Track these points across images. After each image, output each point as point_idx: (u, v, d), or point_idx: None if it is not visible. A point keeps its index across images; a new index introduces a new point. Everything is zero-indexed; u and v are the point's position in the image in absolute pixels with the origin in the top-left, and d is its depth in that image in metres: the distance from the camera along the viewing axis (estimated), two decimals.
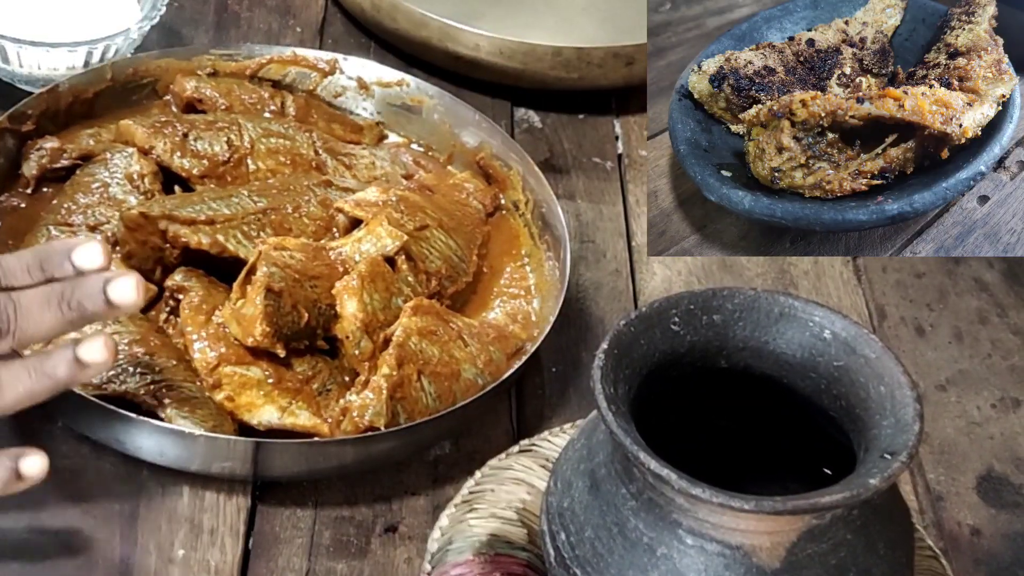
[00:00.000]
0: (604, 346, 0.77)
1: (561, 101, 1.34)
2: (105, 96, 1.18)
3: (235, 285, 0.98)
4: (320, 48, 1.36)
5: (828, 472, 0.84)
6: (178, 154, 1.10)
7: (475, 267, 1.12)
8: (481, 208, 1.16)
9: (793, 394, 0.82)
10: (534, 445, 0.98)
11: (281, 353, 0.97)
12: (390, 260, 1.03)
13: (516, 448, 0.98)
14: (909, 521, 0.81)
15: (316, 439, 0.96)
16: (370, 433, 0.93)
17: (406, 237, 1.04)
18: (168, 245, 1.01)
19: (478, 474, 0.95)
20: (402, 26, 1.33)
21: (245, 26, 1.39)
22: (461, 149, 1.22)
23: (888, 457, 0.73)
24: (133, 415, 0.92)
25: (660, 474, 0.71)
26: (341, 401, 0.96)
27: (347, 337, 0.98)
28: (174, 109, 1.20)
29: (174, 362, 0.97)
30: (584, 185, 1.28)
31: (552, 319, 1.04)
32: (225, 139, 1.12)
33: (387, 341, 0.98)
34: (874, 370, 0.78)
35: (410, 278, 1.03)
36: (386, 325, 0.99)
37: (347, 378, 0.99)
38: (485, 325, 1.07)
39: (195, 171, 1.10)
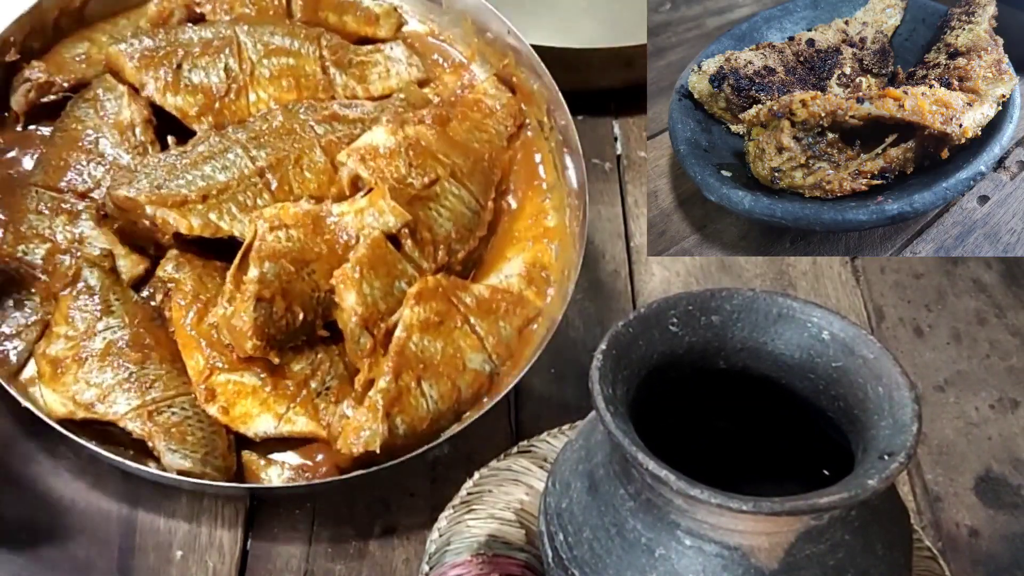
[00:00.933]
0: (602, 347, 0.77)
1: None
2: (96, 1, 1.10)
3: (229, 275, 0.95)
4: None
5: (826, 473, 0.84)
6: (171, 93, 1.03)
7: (491, 215, 1.05)
8: (504, 131, 1.09)
9: (791, 395, 0.82)
10: (532, 446, 0.98)
11: (276, 361, 0.95)
12: (392, 238, 0.98)
13: (515, 449, 0.97)
14: (907, 522, 0.81)
15: (303, 482, 0.95)
16: (365, 460, 0.93)
17: (409, 217, 0.98)
18: (158, 229, 0.97)
19: (476, 475, 0.95)
20: None
21: None
22: (483, 48, 1.14)
23: (886, 458, 0.73)
24: (124, 461, 0.91)
25: (658, 475, 0.71)
26: (339, 409, 0.94)
27: (348, 331, 0.96)
28: (173, 9, 1.11)
29: (166, 368, 0.96)
30: None
31: (569, 295, 1.00)
32: (223, 66, 1.05)
33: (389, 334, 0.95)
34: (872, 371, 0.78)
35: (415, 254, 0.99)
36: (388, 314, 0.96)
37: (348, 368, 0.97)
38: (497, 293, 1.02)
39: (191, 111, 1.04)
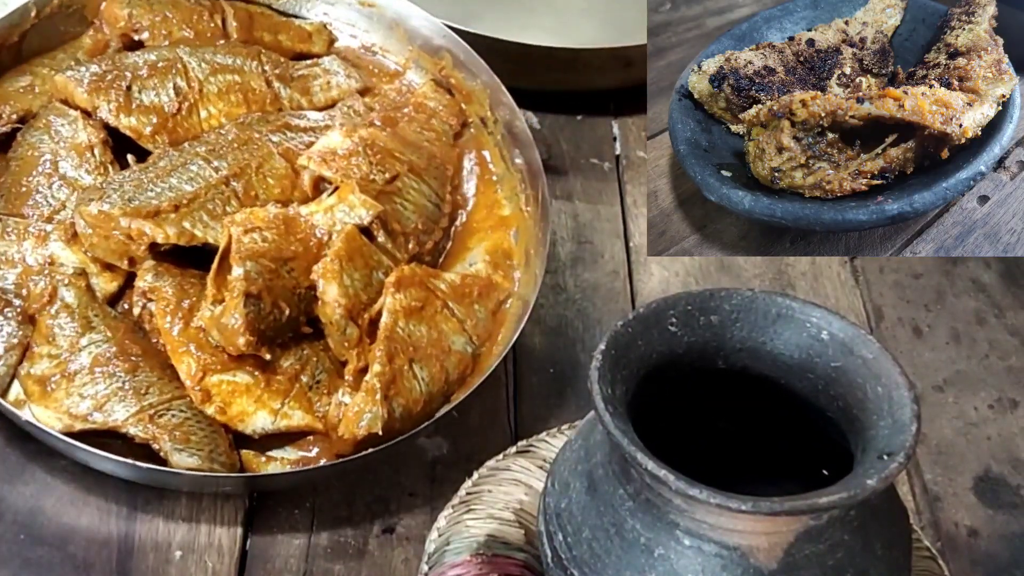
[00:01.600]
0: (602, 347, 0.77)
1: (559, 102, 1.34)
2: (32, 36, 1.11)
3: (209, 279, 0.95)
4: None
5: (826, 473, 0.84)
6: (124, 114, 1.04)
7: (450, 206, 1.08)
8: (448, 129, 1.11)
9: (791, 395, 0.82)
10: (532, 446, 0.97)
11: (267, 357, 0.95)
12: (365, 230, 0.99)
13: (514, 449, 0.97)
14: (906, 522, 0.81)
15: (310, 467, 0.95)
16: (368, 445, 0.93)
17: (380, 207, 1.00)
18: (133, 241, 0.97)
19: (476, 475, 0.95)
20: None
21: None
22: (418, 55, 1.15)
23: (885, 458, 0.73)
24: (133, 463, 0.91)
25: (658, 475, 0.71)
26: (335, 398, 0.96)
27: (331, 323, 0.96)
28: (109, 40, 1.12)
29: (158, 374, 0.95)
30: (582, 186, 1.28)
31: (539, 275, 1.02)
32: (172, 85, 1.06)
33: (373, 323, 0.96)
34: (871, 371, 0.78)
35: (388, 245, 1.01)
36: (369, 304, 0.97)
37: (335, 363, 0.98)
38: (467, 280, 1.04)
39: (145, 129, 1.04)
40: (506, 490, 0.94)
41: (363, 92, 1.14)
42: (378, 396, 0.93)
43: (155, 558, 0.93)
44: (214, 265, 0.95)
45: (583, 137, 1.33)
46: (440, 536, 0.91)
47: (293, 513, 0.97)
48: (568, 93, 1.34)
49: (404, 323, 0.97)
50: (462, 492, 0.94)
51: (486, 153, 1.13)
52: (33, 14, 1.11)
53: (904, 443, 0.73)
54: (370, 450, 0.94)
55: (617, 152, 1.32)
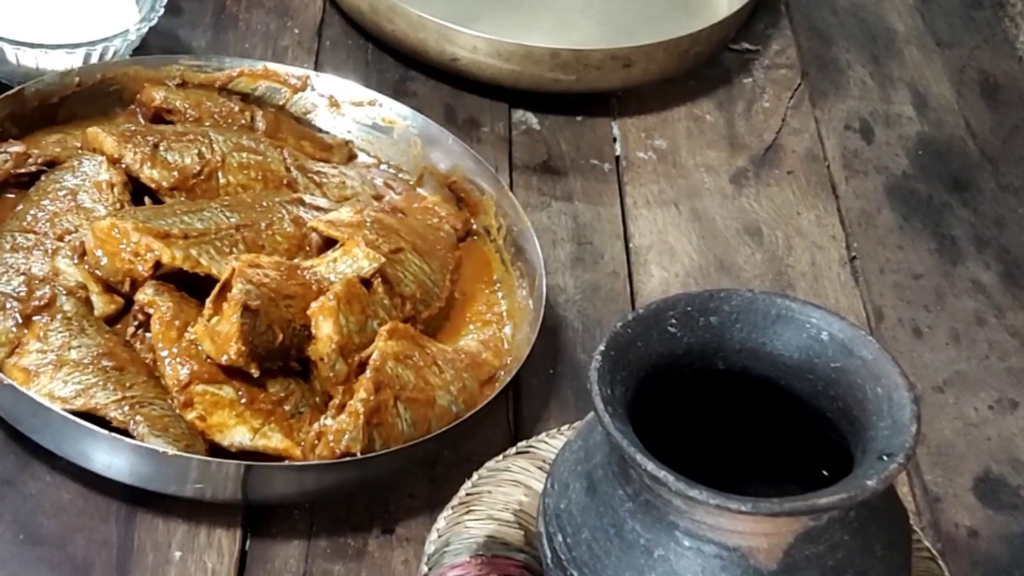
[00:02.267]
0: (601, 348, 0.77)
1: (559, 103, 1.34)
2: (71, 102, 1.16)
3: (208, 302, 0.96)
4: (318, 50, 1.36)
5: (825, 474, 0.84)
6: (148, 164, 1.07)
7: (448, 292, 1.10)
8: (453, 232, 1.15)
9: (790, 396, 0.82)
10: (531, 447, 0.98)
11: (255, 373, 0.95)
12: (366, 282, 1.01)
13: (513, 450, 0.97)
14: (906, 522, 0.81)
15: (295, 463, 0.94)
16: (346, 459, 0.92)
17: (383, 259, 1.02)
18: (139, 258, 0.98)
19: (475, 476, 0.95)
20: (400, 28, 1.33)
21: (243, 27, 1.38)
22: (432, 171, 1.20)
23: (885, 458, 0.73)
24: (101, 430, 0.90)
25: (657, 476, 0.71)
26: (316, 425, 0.95)
27: (322, 359, 0.97)
28: (141, 119, 1.17)
29: (144, 378, 0.96)
30: (582, 187, 1.28)
31: (529, 347, 1.03)
32: (196, 151, 1.10)
33: (362, 365, 0.96)
34: (871, 371, 0.78)
35: (385, 301, 1.02)
36: (361, 348, 0.98)
37: (319, 400, 0.98)
38: (459, 351, 1.05)
39: (165, 183, 1.08)
40: (506, 491, 0.94)
41: (376, 199, 1.17)
42: (361, 420, 0.92)
43: (155, 558, 0.93)
44: (214, 291, 0.96)
45: (583, 138, 1.33)
46: (439, 537, 0.91)
47: (293, 514, 0.97)
48: (568, 94, 1.34)
49: (394, 364, 0.97)
50: (461, 493, 0.94)
51: (487, 258, 1.16)
52: (76, 81, 1.15)
53: (904, 444, 0.73)
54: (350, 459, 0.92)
55: (617, 153, 1.33)
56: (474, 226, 1.17)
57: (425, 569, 0.90)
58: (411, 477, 1.00)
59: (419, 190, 1.20)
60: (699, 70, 1.39)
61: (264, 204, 1.07)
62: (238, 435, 0.95)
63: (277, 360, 0.97)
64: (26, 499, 0.95)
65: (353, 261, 1.01)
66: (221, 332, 0.94)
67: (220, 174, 1.10)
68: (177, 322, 0.97)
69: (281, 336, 0.96)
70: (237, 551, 0.95)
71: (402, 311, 1.04)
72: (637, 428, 0.75)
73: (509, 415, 1.06)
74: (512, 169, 1.28)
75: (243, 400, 0.95)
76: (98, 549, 0.93)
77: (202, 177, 1.09)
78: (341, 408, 0.94)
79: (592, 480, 0.78)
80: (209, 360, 0.95)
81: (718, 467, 0.82)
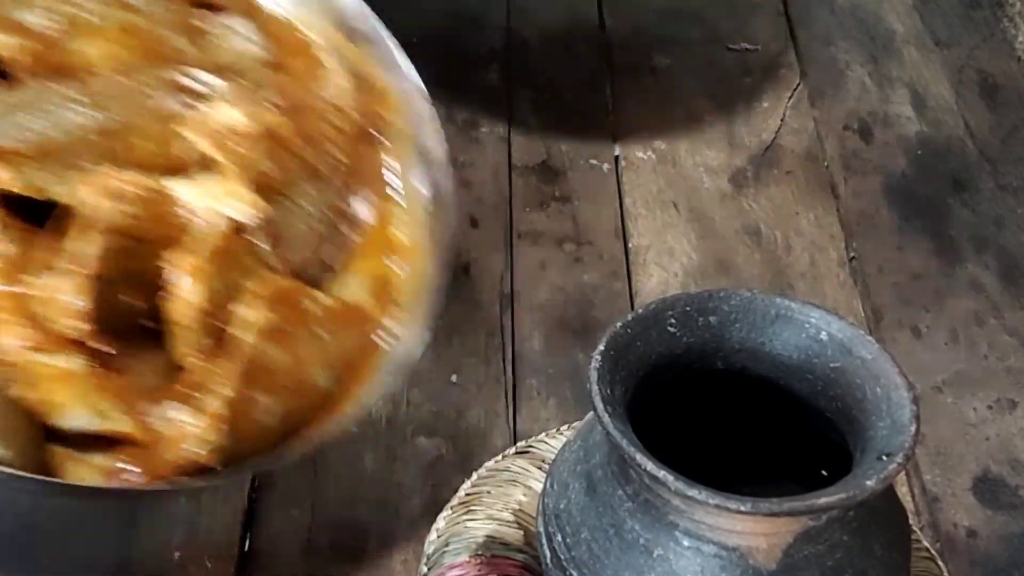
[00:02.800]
0: (601, 348, 0.77)
1: (558, 103, 1.34)
2: None
3: (47, 243, 0.78)
4: None
5: (824, 474, 0.84)
6: None
7: (344, 219, 0.92)
8: (357, 131, 0.95)
9: (790, 395, 0.82)
10: (531, 447, 0.98)
11: (105, 349, 0.78)
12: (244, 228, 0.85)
13: (513, 450, 0.97)
14: (905, 522, 0.81)
15: (91, 484, 0.79)
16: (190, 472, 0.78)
17: (269, 209, 0.85)
18: None
19: (475, 476, 0.95)
20: None
21: None
22: (343, 42, 0.98)
23: (884, 458, 0.73)
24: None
25: (657, 475, 0.71)
26: (168, 411, 0.80)
27: (181, 324, 0.81)
28: None
29: None
30: (581, 187, 1.28)
31: (427, 334, 0.91)
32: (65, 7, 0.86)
33: (229, 337, 0.82)
34: (870, 371, 0.78)
35: (269, 259, 0.86)
36: (231, 314, 0.82)
37: (172, 369, 0.82)
38: (343, 305, 0.89)
39: (19, 56, 0.83)
40: (505, 491, 0.94)
41: (272, 67, 0.97)
42: (217, 423, 0.79)
43: (155, 558, 0.93)
44: (57, 227, 0.79)
45: (582, 138, 1.33)
46: (439, 537, 0.91)
47: (292, 514, 0.97)
48: (567, 93, 1.34)
49: (265, 346, 0.82)
50: (461, 493, 0.94)
51: (396, 166, 0.97)
52: None
53: (903, 444, 0.73)
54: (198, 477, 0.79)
55: (616, 153, 1.33)
56: (382, 124, 0.97)
57: (424, 569, 0.90)
58: (411, 477, 1.00)
59: (325, 58, 0.98)
60: (699, 70, 1.40)
61: (136, 96, 0.85)
62: (78, 417, 0.78)
63: (131, 325, 0.81)
64: (26, 499, 0.95)
65: (232, 199, 0.84)
66: (64, 305, 0.77)
67: (88, 42, 0.86)
68: (16, 272, 0.78)
69: (136, 300, 0.80)
70: (237, 552, 0.95)
71: (287, 262, 0.87)
72: (637, 428, 0.75)
73: (509, 415, 1.06)
74: (511, 169, 1.28)
75: (86, 374, 0.78)
76: (98, 549, 0.93)
77: (66, 49, 0.85)
78: (194, 389, 0.79)
79: (591, 480, 0.78)
80: (48, 325, 0.78)
81: (718, 467, 0.82)
